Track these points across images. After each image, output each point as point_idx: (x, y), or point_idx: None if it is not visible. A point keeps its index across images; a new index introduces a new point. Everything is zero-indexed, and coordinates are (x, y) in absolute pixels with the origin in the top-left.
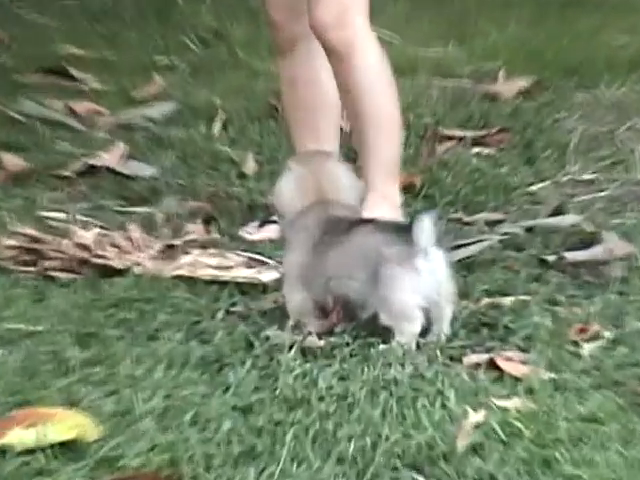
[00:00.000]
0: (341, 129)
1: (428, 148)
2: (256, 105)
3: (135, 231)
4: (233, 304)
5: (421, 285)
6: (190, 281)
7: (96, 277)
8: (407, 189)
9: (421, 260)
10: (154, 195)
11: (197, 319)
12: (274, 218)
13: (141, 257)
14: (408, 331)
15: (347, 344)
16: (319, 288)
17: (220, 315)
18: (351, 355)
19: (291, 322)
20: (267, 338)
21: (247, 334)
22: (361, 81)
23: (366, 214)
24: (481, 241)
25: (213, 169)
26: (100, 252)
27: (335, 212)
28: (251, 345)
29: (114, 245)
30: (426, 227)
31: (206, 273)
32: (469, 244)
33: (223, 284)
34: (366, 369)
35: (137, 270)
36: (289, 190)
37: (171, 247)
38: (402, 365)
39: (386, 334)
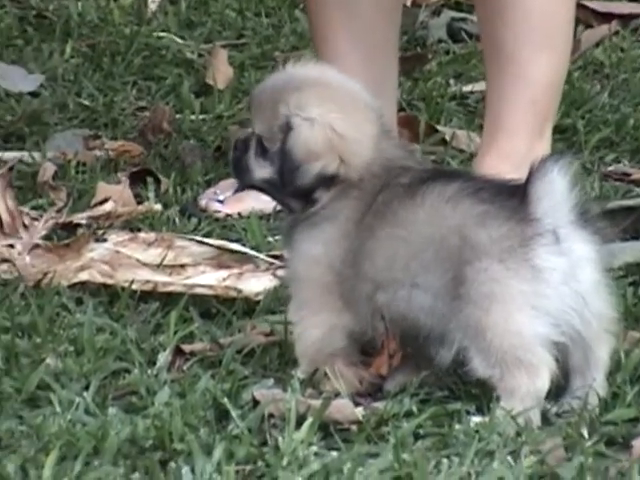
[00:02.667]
0: None
1: None
2: None
3: (2, 196)
4: (187, 336)
5: (548, 300)
6: (104, 293)
7: None
8: None
9: (546, 251)
10: (36, 125)
11: (121, 366)
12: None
13: (14, 248)
14: (526, 389)
15: (408, 414)
16: (360, 306)
17: (162, 359)
18: (416, 437)
19: (301, 373)
20: (254, 403)
21: (215, 394)
22: None
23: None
24: None
25: (145, 76)
26: None
27: (393, 163)
28: (224, 416)
29: None
30: (555, 186)
31: (135, 277)
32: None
33: (167, 298)
34: (445, 464)
35: (4, 273)
36: (312, 143)
37: (69, 227)
38: (514, 456)
39: (483, 394)
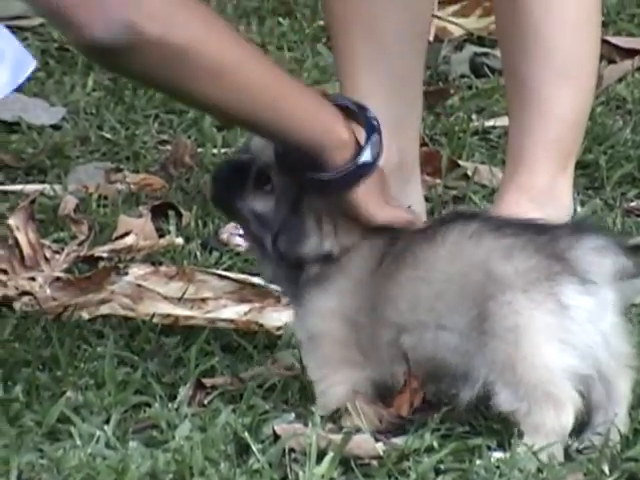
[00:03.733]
0: None
1: None
2: None
3: (23, 229)
4: (208, 370)
5: (574, 335)
6: (125, 326)
7: None
8: None
9: (573, 289)
10: (57, 158)
11: (141, 400)
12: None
13: (35, 281)
14: (551, 425)
15: (429, 449)
16: (380, 353)
17: (183, 393)
18: (437, 472)
19: (322, 411)
20: (275, 437)
21: (236, 429)
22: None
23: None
24: None
25: (167, 109)
26: None
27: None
28: (244, 450)
29: None
30: (586, 234)
31: (156, 311)
32: None
33: (188, 332)
34: None
35: (25, 305)
36: None
37: (90, 260)
38: None
39: (505, 429)
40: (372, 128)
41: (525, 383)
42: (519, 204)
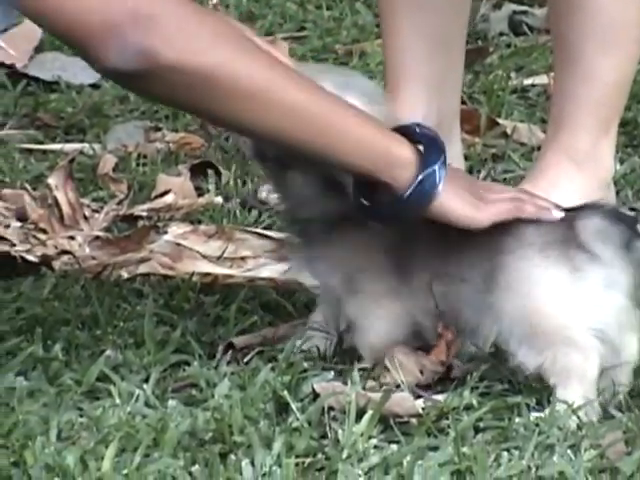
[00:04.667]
0: None
1: None
2: None
3: (62, 188)
4: (246, 330)
5: (586, 296)
6: (165, 286)
7: None
8: None
9: (586, 258)
10: (96, 117)
11: (180, 358)
12: None
13: (74, 240)
14: (582, 370)
15: (468, 407)
16: (418, 295)
17: (220, 354)
18: (476, 430)
19: (367, 362)
20: (314, 395)
21: (275, 387)
22: None
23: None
24: None
25: None
26: None
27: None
28: (283, 408)
29: (21, 217)
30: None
31: (195, 270)
32: None
33: (227, 291)
34: (505, 458)
35: (64, 265)
36: None
37: (129, 219)
38: (574, 450)
39: (544, 388)
40: (428, 138)
41: (543, 332)
42: (559, 164)
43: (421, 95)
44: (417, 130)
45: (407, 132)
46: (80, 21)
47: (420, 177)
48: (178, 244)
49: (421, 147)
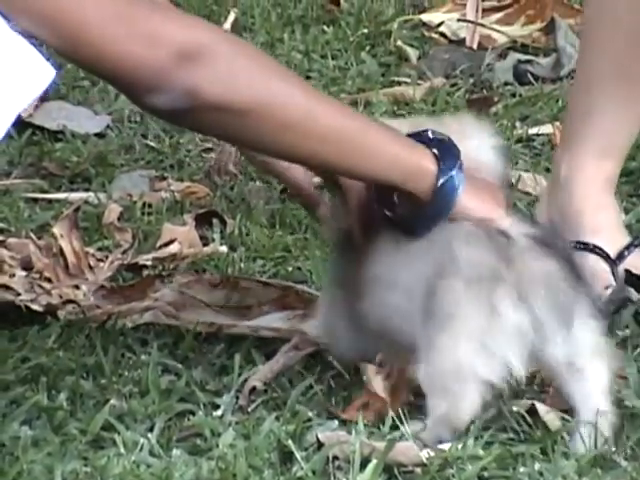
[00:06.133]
0: None
1: None
2: None
3: (67, 237)
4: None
5: (498, 345)
6: (169, 334)
7: None
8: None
9: (510, 303)
10: (102, 166)
11: (185, 407)
12: None
13: (79, 289)
14: (440, 413)
15: (472, 457)
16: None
17: (226, 400)
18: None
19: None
20: (318, 444)
21: (279, 436)
22: None
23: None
24: None
25: None
26: None
27: None
28: (288, 457)
29: (26, 266)
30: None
31: (200, 318)
32: None
33: (232, 340)
34: None
35: (69, 314)
36: None
37: (134, 269)
38: None
39: (548, 437)
40: (443, 144)
41: (433, 368)
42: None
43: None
44: (430, 136)
45: (422, 139)
46: (122, 71)
47: (440, 182)
48: (182, 293)
49: (436, 151)
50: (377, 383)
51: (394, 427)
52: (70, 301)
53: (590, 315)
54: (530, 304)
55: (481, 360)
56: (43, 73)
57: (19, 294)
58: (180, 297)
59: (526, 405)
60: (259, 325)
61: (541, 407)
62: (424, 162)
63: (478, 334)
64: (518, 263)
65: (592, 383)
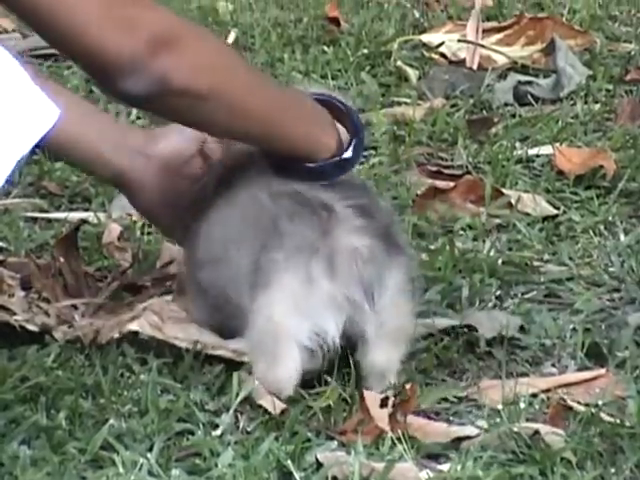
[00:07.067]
0: None
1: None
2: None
3: (66, 257)
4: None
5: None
6: (169, 354)
7: None
8: (589, 177)
9: (323, 270)
10: (101, 186)
11: (184, 427)
12: None
13: (77, 309)
14: (261, 374)
15: (471, 478)
16: None
17: (225, 420)
18: None
19: None
20: (317, 465)
21: (278, 456)
22: None
23: None
24: None
25: None
26: None
27: None
28: (287, 478)
29: (25, 285)
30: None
31: (183, 335)
32: None
33: (231, 361)
34: None
35: (65, 334)
36: None
37: (133, 288)
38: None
39: (547, 458)
40: (357, 129)
41: (252, 332)
42: None
43: None
44: (353, 116)
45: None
46: (96, 54)
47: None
48: (168, 302)
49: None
50: (376, 411)
51: (393, 447)
52: (67, 321)
53: (397, 291)
54: (341, 276)
55: (295, 323)
56: (47, 113)
57: (15, 313)
58: (166, 307)
59: (528, 428)
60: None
61: (542, 427)
62: (330, 141)
63: (293, 299)
64: (334, 237)
65: (379, 361)
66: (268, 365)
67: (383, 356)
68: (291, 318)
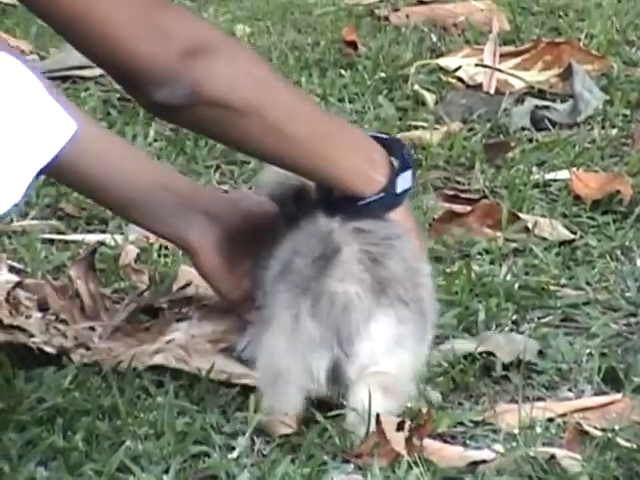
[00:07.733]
0: None
1: None
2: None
3: (83, 279)
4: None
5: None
6: (185, 377)
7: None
8: (606, 202)
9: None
10: None
11: (200, 450)
12: None
13: (95, 331)
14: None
15: None
16: None
17: (242, 442)
18: None
19: None
20: None
21: (295, 479)
22: None
23: None
24: None
25: (228, 160)
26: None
27: None
28: None
29: (42, 307)
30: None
31: (210, 366)
32: None
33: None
34: None
35: (82, 356)
36: None
37: (150, 311)
38: None
39: None
40: (406, 164)
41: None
42: None
43: None
44: (403, 151)
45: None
46: (129, 63)
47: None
48: (194, 336)
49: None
50: (392, 434)
51: (409, 470)
52: (84, 344)
53: (386, 340)
54: (319, 319)
55: (287, 361)
56: (65, 127)
57: (32, 335)
58: (191, 340)
59: (544, 452)
60: None
61: (559, 452)
62: (376, 176)
63: (285, 338)
64: (325, 279)
65: (354, 403)
66: (271, 401)
67: (360, 399)
68: (285, 356)
